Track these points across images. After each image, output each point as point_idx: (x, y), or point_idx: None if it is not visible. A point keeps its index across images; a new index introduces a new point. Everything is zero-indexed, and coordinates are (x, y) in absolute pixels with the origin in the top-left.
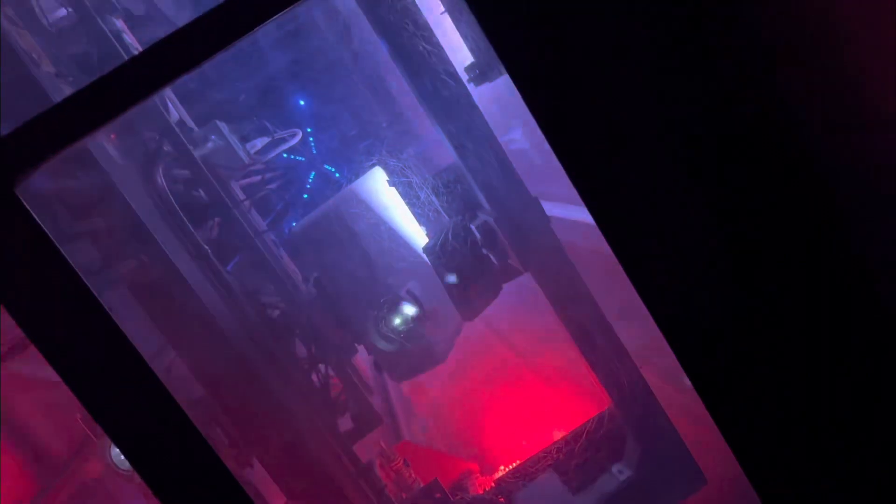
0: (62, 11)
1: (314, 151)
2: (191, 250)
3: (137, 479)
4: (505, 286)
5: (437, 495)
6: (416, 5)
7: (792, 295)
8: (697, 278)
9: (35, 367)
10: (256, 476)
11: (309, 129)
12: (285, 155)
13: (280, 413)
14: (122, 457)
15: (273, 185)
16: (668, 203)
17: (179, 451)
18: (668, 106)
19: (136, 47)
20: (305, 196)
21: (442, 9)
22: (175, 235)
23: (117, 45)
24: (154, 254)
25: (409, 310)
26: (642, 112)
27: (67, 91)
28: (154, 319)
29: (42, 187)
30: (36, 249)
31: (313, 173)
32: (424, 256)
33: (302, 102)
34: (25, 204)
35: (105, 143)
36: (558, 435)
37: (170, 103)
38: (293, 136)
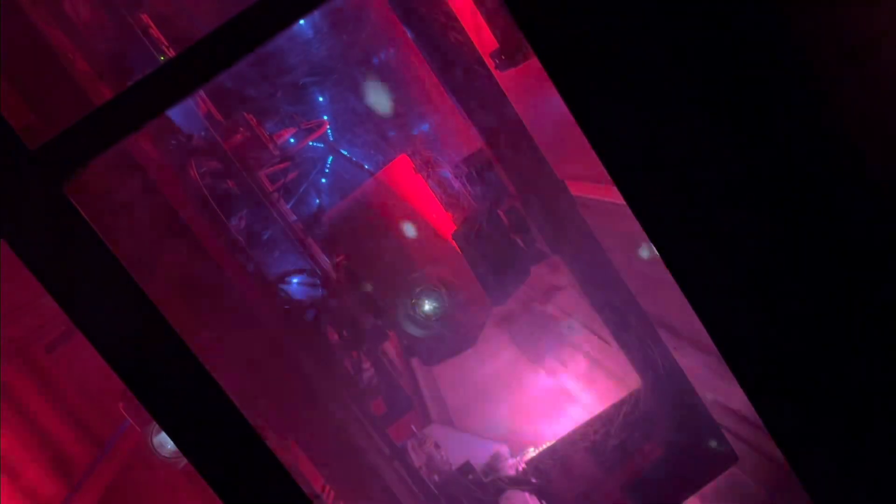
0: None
1: (337, 143)
2: (225, 241)
3: (180, 464)
4: (533, 269)
5: (469, 477)
6: None
7: (828, 272)
8: (733, 258)
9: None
10: (294, 459)
11: (330, 121)
12: (311, 143)
13: (316, 397)
14: (164, 444)
15: (301, 176)
16: (702, 182)
17: (226, 436)
18: (703, 84)
19: (162, 41)
20: (323, 181)
21: None
22: (210, 227)
23: (146, 41)
24: (191, 245)
25: (440, 296)
26: (675, 90)
27: (104, 89)
28: (192, 309)
29: (88, 186)
30: (86, 246)
31: (331, 158)
32: (453, 243)
33: (321, 99)
34: (75, 203)
35: (139, 139)
36: (588, 415)
37: (198, 97)
38: (320, 125)
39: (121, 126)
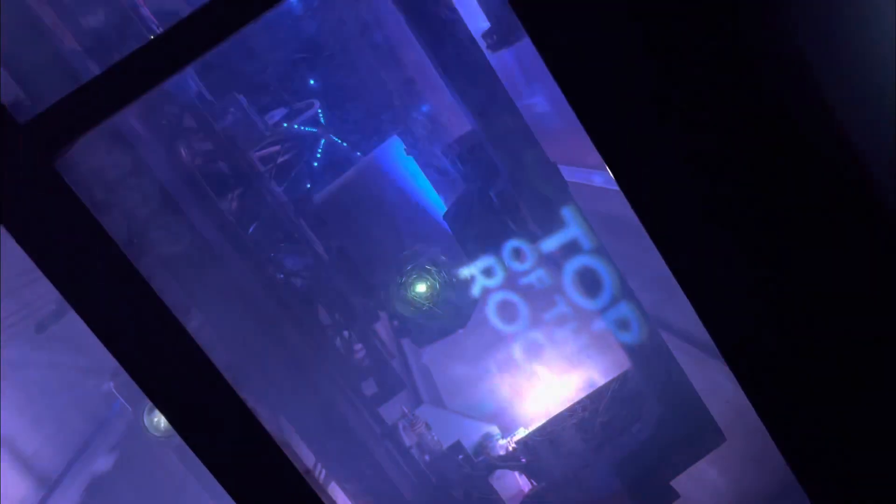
0: None
1: (327, 123)
2: (216, 221)
3: (173, 442)
4: None
5: (460, 457)
6: None
7: (815, 255)
8: (722, 243)
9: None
10: (286, 437)
11: (321, 100)
12: (298, 127)
13: (307, 377)
14: (156, 421)
15: (292, 156)
16: (695, 169)
17: (219, 414)
18: (697, 71)
19: (152, 20)
20: (316, 165)
21: None
22: (200, 207)
23: (134, 18)
24: (182, 224)
25: (431, 276)
26: (669, 72)
27: (93, 66)
28: (183, 287)
29: (78, 162)
30: (77, 222)
31: (323, 141)
32: (444, 224)
33: (312, 82)
34: (66, 179)
35: (129, 117)
36: (578, 396)
37: (188, 77)
38: (310, 106)
39: (110, 101)
